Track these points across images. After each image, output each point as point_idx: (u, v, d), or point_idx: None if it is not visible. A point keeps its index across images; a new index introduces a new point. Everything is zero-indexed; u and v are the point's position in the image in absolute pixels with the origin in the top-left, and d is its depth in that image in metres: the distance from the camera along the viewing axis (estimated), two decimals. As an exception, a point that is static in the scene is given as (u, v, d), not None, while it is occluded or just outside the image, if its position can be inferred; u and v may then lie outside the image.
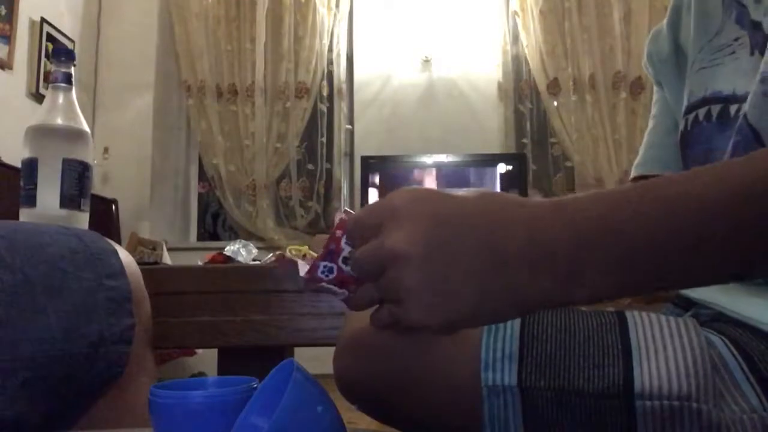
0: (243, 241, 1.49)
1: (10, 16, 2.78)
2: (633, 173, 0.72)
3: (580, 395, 0.40)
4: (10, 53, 2.79)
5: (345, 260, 0.44)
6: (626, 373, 0.40)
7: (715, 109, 0.54)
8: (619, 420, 0.39)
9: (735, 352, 0.43)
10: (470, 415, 0.43)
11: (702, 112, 0.56)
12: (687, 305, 0.57)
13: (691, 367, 0.40)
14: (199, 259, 1.51)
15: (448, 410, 0.46)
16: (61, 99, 0.79)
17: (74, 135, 0.79)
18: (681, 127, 0.60)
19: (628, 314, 0.45)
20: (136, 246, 2.04)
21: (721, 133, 0.53)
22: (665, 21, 0.68)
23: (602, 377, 0.40)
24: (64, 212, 0.78)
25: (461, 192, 0.38)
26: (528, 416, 0.42)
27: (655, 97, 0.72)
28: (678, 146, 0.61)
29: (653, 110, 0.72)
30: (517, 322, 0.45)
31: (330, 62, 3.59)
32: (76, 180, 0.79)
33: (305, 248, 1.40)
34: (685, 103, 0.60)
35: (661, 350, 0.41)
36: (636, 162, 0.72)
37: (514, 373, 0.42)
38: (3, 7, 2.74)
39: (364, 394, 0.51)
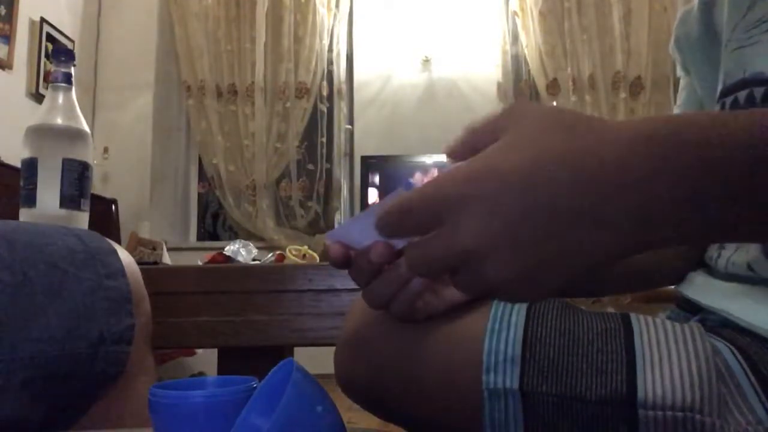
0: (243, 241, 1.49)
1: (10, 16, 2.78)
2: None
3: (582, 401, 0.40)
4: (10, 53, 2.79)
5: None
6: (629, 381, 0.39)
7: (758, 91, 0.51)
8: (620, 428, 0.39)
9: (742, 361, 0.42)
10: (470, 417, 0.43)
11: (743, 95, 0.52)
12: (693, 310, 0.55)
13: (696, 376, 0.39)
14: (199, 259, 1.51)
15: (448, 411, 0.46)
16: (61, 99, 0.79)
17: (74, 135, 0.79)
18: (717, 110, 0.56)
19: (633, 319, 0.44)
20: (136, 246, 2.05)
21: None
22: (696, 1, 0.64)
23: (605, 384, 0.40)
24: (64, 212, 0.78)
25: (520, 150, 0.34)
26: (529, 420, 0.41)
27: (681, 83, 0.69)
28: None
29: (679, 99, 0.69)
30: (521, 325, 0.44)
31: (330, 62, 3.59)
32: (76, 180, 0.79)
33: (305, 248, 1.41)
34: (720, 86, 0.56)
35: (666, 358, 0.40)
36: None
37: (516, 377, 0.42)
38: (3, 7, 2.74)
39: (364, 391, 0.51)
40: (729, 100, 0.54)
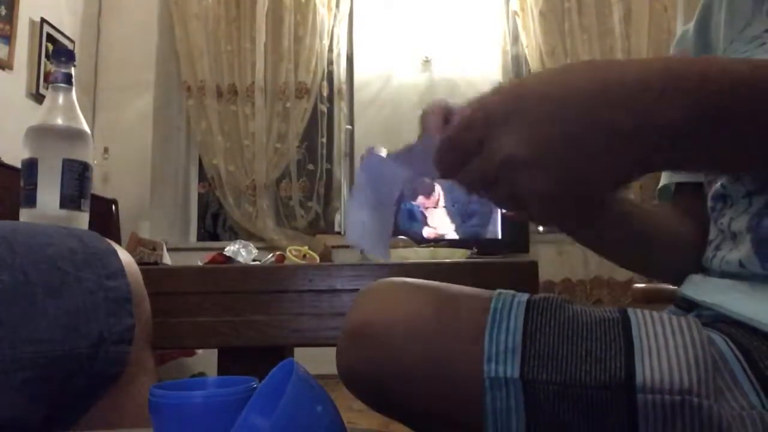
0: (243, 241, 1.49)
1: (10, 16, 2.78)
2: (664, 180, 0.70)
3: (581, 388, 0.41)
4: (10, 53, 2.79)
5: None
6: (628, 367, 0.40)
7: None
8: (620, 413, 0.40)
9: (735, 350, 0.43)
10: (471, 407, 0.44)
11: None
12: (689, 307, 0.57)
13: (693, 362, 0.40)
14: (199, 260, 1.51)
15: (449, 401, 0.46)
16: (61, 99, 0.79)
17: (74, 135, 0.79)
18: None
19: (630, 311, 0.46)
20: (136, 246, 2.04)
21: None
22: (693, 21, 0.67)
23: (604, 371, 0.41)
24: (64, 212, 0.78)
25: (553, 77, 0.40)
26: (530, 409, 0.42)
27: None
28: None
29: None
30: (521, 316, 0.45)
31: (330, 62, 3.59)
32: (76, 180, 0.79)
33: (305, 248, 1.41)
34: None
35: (663, 346, 0.41)
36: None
37: (517, 366, 0.42)
38: (3, 7, 2.74)
39: (365, 384, 0.51)
40: None
